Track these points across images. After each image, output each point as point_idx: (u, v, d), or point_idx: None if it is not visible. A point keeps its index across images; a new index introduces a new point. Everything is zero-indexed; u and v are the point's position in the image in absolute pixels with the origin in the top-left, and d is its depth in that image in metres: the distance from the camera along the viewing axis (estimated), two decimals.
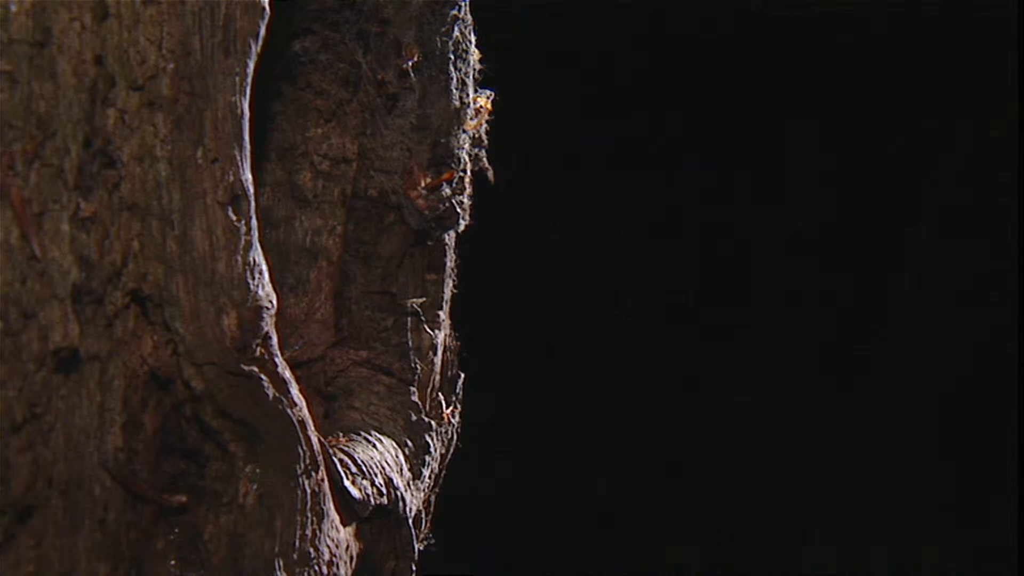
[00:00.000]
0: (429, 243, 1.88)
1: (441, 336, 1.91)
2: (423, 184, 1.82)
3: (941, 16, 4.12)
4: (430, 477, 1.89)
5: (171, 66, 1.36)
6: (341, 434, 1.81)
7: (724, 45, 4.29)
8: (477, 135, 1.89)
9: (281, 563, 1.49)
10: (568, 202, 4.39)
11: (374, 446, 1.79)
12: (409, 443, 1.84)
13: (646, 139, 4.39)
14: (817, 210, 4.42)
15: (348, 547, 1.66)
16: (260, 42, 1.43)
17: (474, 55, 1.87)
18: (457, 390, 1.96)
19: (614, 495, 4.40)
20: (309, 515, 1.53)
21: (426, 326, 1.88)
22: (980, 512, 4.24)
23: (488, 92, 1.90)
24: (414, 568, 1.80)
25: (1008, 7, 4.08)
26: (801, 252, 4.45)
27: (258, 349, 1.45)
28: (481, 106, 1.88)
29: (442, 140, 1.83)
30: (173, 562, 1.45)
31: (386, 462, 1.78)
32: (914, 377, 4.37)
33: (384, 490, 1.74)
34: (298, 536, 1.52)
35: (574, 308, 4.46)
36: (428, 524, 1.96)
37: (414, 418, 1.85)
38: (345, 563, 1.64)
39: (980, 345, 4.35)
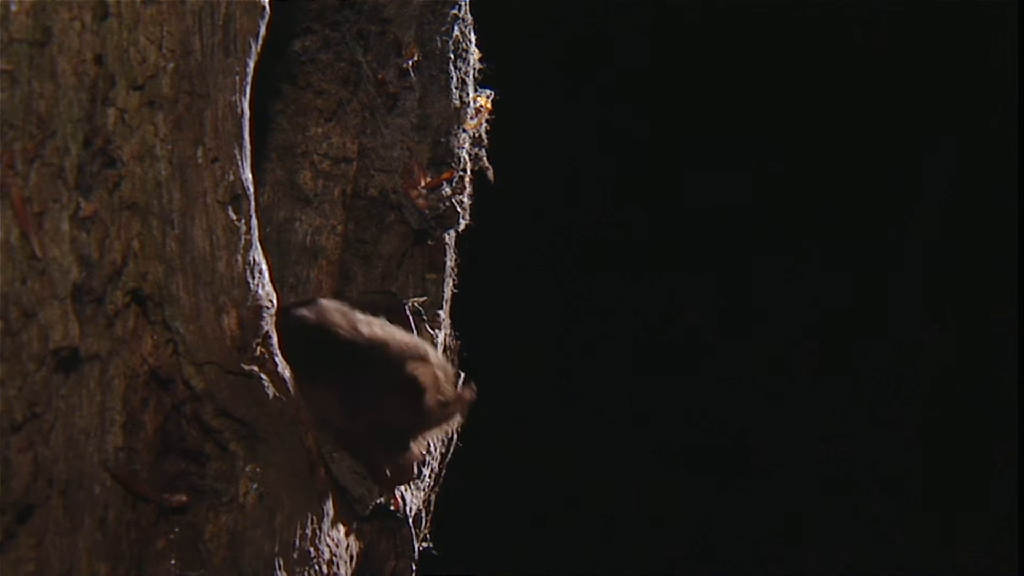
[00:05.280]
0: (429, 243, 1.87)
1: (441, 336, 1.91)
2: (423, 183, 1.82)
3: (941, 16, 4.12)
4: (430, 477, 1.89)
5: (171, 65, 1.36)
6: None
7: (724, 43, 4.29)
8: (477, 135, 1.89)
9: (281, 563, 1.49)
10: (568, 202, 4.39)
11: None
12: None
13: (647, 139, 4.39)
14: (816, 211, 4.42)
15: (348, 547, 1.66)
16: (260, 42, 1.43)
17: (474, 55, 1.87)
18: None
19: (614, 495, 4.40)
20: (309, 515, 1.53)
21: (426, 326, 1.87)
22: (980, 511, 4.24)
23: (488, 92, 1.90)
24: (414, 568, 1.80)
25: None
26: (801, 252, 4.45)
27: (258, 348, 1.45)
28: (481, 106, 1.88)
29: (442, 139, 1.83)
30: (173, 562, 1.45)
31: None
32: (914, 377, 4.38)
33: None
34: (298, 536, 1.52)
35: (574, 308, 4.46)
36: (428, 524, 1.95)
37: None
38: (345, 562, 1.64)
39: (980, 345, 4.35)
